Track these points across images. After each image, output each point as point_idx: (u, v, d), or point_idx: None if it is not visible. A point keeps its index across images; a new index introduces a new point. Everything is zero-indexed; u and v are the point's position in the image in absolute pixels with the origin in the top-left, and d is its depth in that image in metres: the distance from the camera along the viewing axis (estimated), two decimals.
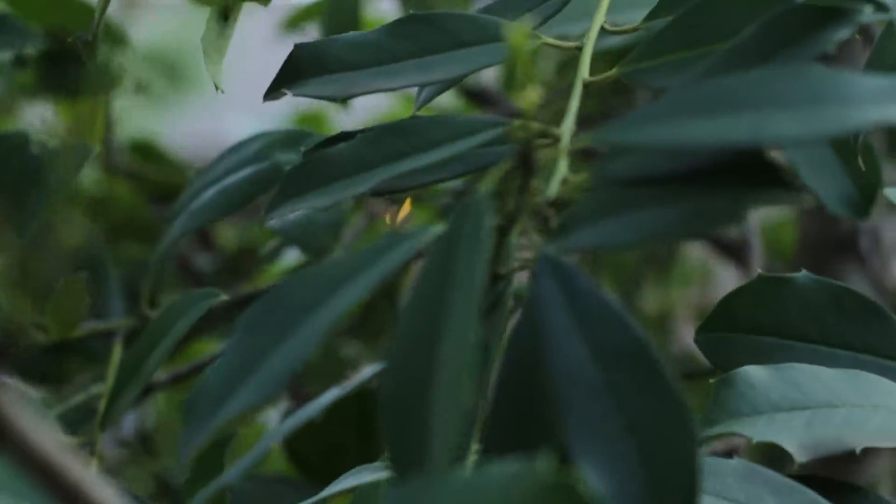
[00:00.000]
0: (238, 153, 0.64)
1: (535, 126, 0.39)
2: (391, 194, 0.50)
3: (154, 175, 0.98)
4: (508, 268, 0.40)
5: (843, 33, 0.41)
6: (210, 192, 0.63)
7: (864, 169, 0.52)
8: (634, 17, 0.70)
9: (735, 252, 0.93)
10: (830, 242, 0.88)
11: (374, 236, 0.83)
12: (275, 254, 0.87)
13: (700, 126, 0.38)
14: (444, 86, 0.52)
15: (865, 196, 0.55)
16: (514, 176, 0.40)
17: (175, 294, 0.73)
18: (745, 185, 0.38)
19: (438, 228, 0.37)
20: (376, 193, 0.47)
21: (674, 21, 0.46)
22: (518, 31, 0.38)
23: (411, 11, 0.50)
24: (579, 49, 0.49)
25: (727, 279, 1.04)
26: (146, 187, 0.97)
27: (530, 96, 0.38)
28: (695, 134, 0.38)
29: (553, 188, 0.40)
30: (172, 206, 0.68)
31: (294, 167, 0.47)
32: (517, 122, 0.40)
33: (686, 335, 0.99)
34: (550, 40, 0.49)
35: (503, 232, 0.39)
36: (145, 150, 1.02)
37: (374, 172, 0.45)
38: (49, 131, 1.06)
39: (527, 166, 0.39)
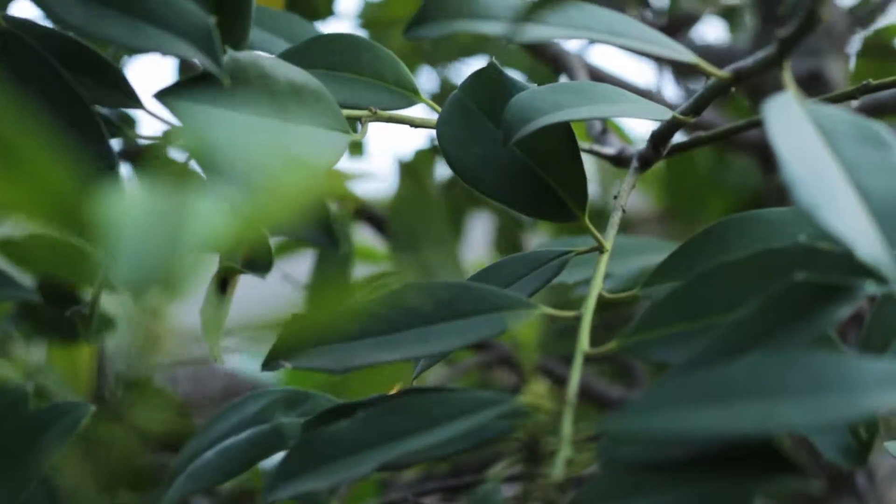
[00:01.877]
0: (238, 412, 0.63)
1: (543, 419, 0.39)
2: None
3: (150, 417, 0.97)
4: None
5: (844, 311, 0.41)
6: (210, 454, 0.62)
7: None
8: (634, 264, 0.72)
9: None
10: (826, 478, 0.88)
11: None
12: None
13: (706, 416, 0.38)
14: (443, 355, 0.52)
15: (863, 446, 0.54)
16: (520, 460, 0.40)
17: None
18: (752, 472, 0.38)
19: None
20: (379, 469, 0.46)
21: (674, 292, 0.46)
22: (526, 324, 0.38)
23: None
24: (578, 319, 0.49)
25: None
26: (142, 430, 0.96)
27: (537, 389, 0.38)
28: (700, 424, 0.38)
29: (558, 470, 0.40)
30: (171, 456, 0.67)
31: (293, 447, 0.46)
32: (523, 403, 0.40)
33: None
34: (550, 310, 0.49)
35: None
36: (141, 390, 1.01)
37: (375, 452, 0.44)
38: (44, 375, 1.06)
39: (534, 457, 0.39)
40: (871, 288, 0.41)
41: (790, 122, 0.41)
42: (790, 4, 0.95)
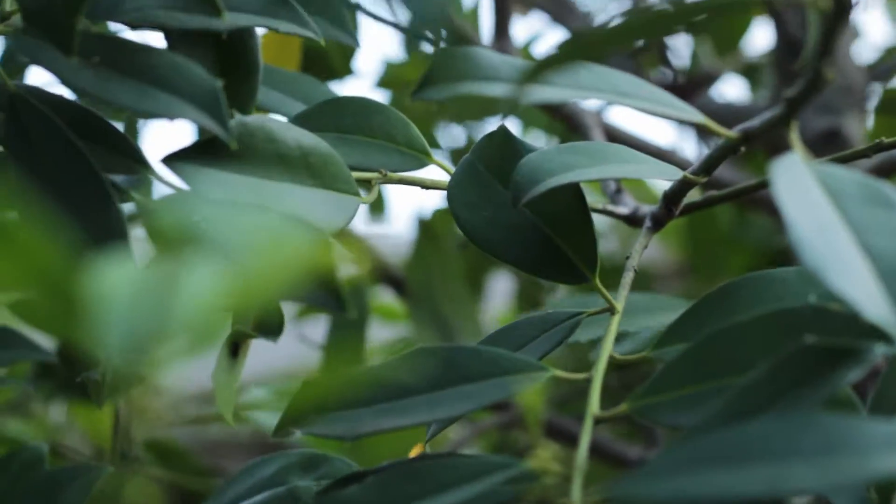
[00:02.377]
0: (254, 475, 0.63)
1: (552, 483, 0.39)
2: None
3: (170, 477, 0.97)
4: None
5: (854, 375, 0.41)
6: None
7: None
8: (648, 324, 0.72)
9: None
10: None
11: None
12: None
13: (717, 479, 0.37)
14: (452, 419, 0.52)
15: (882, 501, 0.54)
16: None
17: None
18: None
19: None
20: None
21: (684, 354, 0.46)
22: (531, 391, 0.38)
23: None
24: (588, 381, 0.48)
25: None
26: (162, 491, 0.96)
27: (543, 455, 0.38)
28: (712, 487, 0.37)
29: None
30: None
31: None
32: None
33: None
34: (559, 373, 0.49)
35: None
36: (162, 450, 1.01)
37: None
38: (64, 434, 1.06)
39: None
40: (880, 350, 0.41)
41: (797, 184, 0.41)
42: (805, 62, 0.95)
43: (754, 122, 0.46)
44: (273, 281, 0.29)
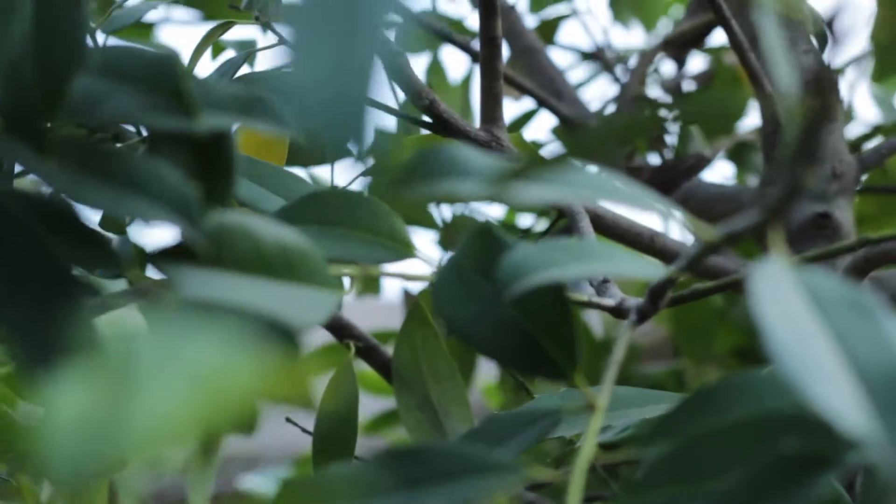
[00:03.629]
0: None
1: None
2: None
3: None
4: None
5: (829, 480, 0.41)
6: None
7: None
8: (634, 418, 0.71)
9: None
10: None
11: None
12: None
13: None
14: None
15: None
16: None
17: None
18: None
19: None
20: None
21: (667, 455, 0.45)
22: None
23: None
24: (565, 477, 0.48)
25: None
26: None
27: None
28: None
29: None
30: None
31: None
32: None
33: None
34: (537, 471, 0.48)
35: None
36: None
37: None
38: None
39: None
40: (856, 457, 0.41)
41: (776, 292, 0.40)
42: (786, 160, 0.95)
43: (737, 225, 0.46)
44: (228, 401, 0.29)
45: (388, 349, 1.02)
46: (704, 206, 1.16)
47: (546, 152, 1.16)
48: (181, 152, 0.49)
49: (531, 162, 0.45)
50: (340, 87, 0.33)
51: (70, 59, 0.46)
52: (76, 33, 0.47)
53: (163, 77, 0.48)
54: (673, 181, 1.10)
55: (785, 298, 0.40)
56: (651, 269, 0.53)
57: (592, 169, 0.50)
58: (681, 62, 1.49)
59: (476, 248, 0.55)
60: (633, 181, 0.53)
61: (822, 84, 0.41)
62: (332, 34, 0.33)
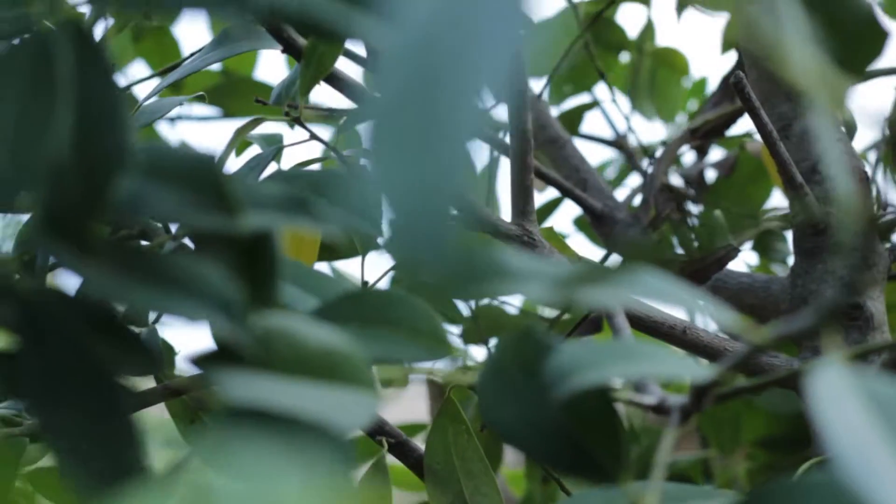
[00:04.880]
0: None
1: None
2: None
3: None
4: None
5: None
6: None
7: None
8: None
9: None
10: None
11: None
12: None
13: None
14: None
15: None
16: None
17: None
18: None
19: None
20: None
21: None
22: None
23: None
24: None
25: None
26: None
27: None
28: None
29: None
30: None
31: None
32: None
33: None
34: None
35: None
36: None
37: None
38: None
39: None
40: None
41: (837, 396, 0.40)
42: (830, 241, 0.95)
43: (790, 327, 0.45)
44: None
45: (418, 443, 1.01)
46: (735, 296, 1.15)
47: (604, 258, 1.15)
48: (224, 252, 0.49)
49: (595, 269, 0.45)
50: (423, 200, 0.32)
51: (113, 159, 0.46)
52: (118, 134, 0.46)
53: (205, 177, 0.48)
54: (703, 273, 1.09)
55: (847, 404, 0.40)
56: (697, 371, 0.52)
57: (648, 272, 0.49)
58: (703, 151, 1.49)
59: (519, 348, 0.54)
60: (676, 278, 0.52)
61: (862, 180, 0.40)
62: (414, 140, 0.33)
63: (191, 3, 0.48)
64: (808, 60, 0.38)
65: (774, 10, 0.39)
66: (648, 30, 1.52)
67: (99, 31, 0.56)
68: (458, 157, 0.32)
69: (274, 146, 0.87)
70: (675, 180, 1.45)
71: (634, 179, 1.54)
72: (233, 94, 1.41)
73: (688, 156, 1.50)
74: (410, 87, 0.34)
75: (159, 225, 0.63)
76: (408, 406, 1.39)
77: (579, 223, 1.48)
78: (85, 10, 0.54)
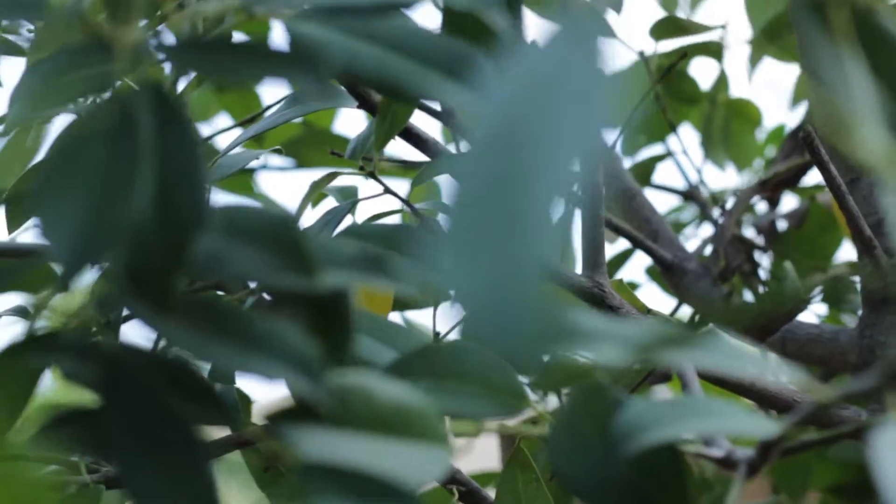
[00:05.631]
0: None
1: None
2: None
3: None
4: None
5: None
6: None
7: None
8: None
9: None
10: None
11: None
12: None
13: None
14: None
15: None
16: None
17: None
18: None
19: None
20: None
21: None
22: None
23: None
24: None
25: None
26: None
27: None
28: None
29: None
30: None
31: None
32: None
33: None
34: None
35: None
36: None
37: None
38: None
39: None
40: None
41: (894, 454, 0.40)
42: None
43: (854, 387, 0.46)
44: None
45: (489, 492, 1.02)
46: (802, 347, 1.15)
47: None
48: (301, 308, 0.50)
49: (669, 332, 0.46)
50: (503, 296, 0.33)
51: (192, 218, 0.47)
52: (197, 193, 0.48)
53: (284, 237, 0.49)
54: (773, 325, 1.09)
55: None
56: (765, 427, 0.52)
57: (721, 335, 0.50)
58: (774, 202, 1.49)
59: (589, 403, 0.55)
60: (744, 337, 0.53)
61: None
62: (493, 231, 0.34)
63: (268, 73, 0.49)
64: (876, 139, 0.38)
65: (843, 82, 0.40)
66: (721, 81, 1.53)
67: (181, 85, 0.57)
68: (540, 249, 0.33)
69: (349, 200, 0.88)
70: (747, 230, 1.45)
71: (706, 230, 1.54)
72: (311, 146, 1.43)
73: (759, 205, 1.50)
74: (493, 175, 0.35)
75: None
76: (481, 454, 1.40)
77: (651, 273, 1.49)
78: (166, 66, 0.55)
